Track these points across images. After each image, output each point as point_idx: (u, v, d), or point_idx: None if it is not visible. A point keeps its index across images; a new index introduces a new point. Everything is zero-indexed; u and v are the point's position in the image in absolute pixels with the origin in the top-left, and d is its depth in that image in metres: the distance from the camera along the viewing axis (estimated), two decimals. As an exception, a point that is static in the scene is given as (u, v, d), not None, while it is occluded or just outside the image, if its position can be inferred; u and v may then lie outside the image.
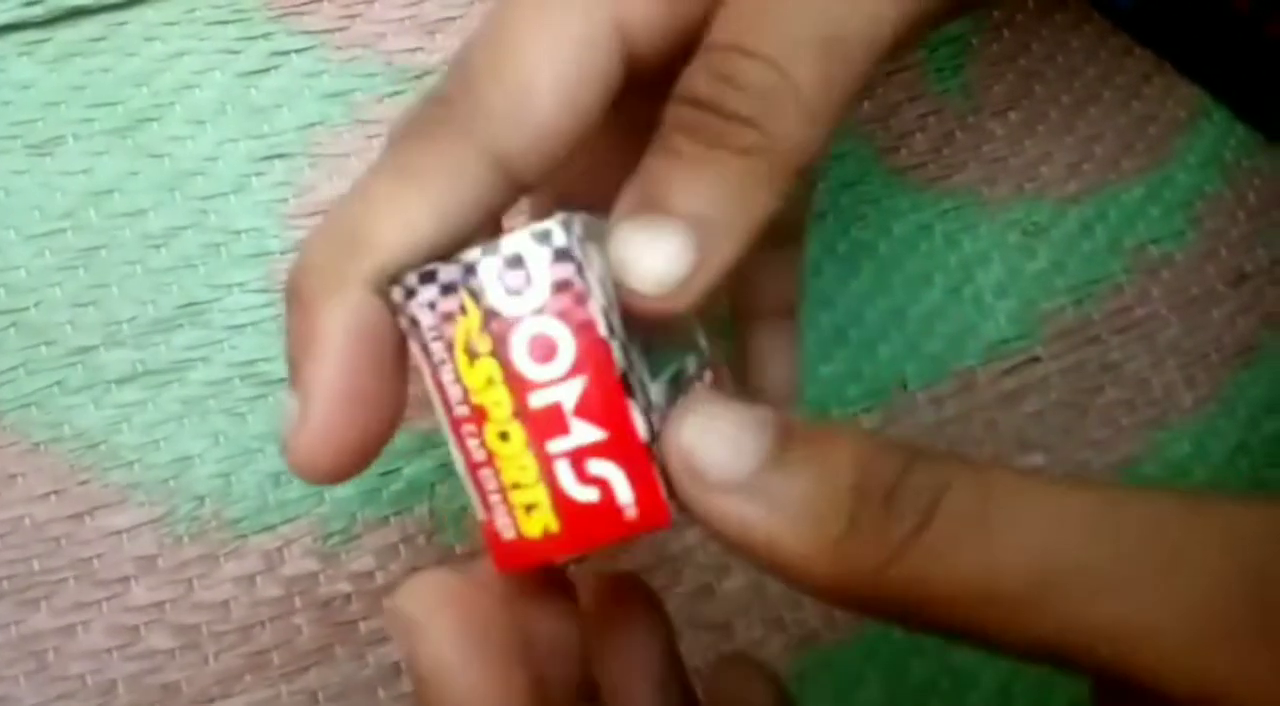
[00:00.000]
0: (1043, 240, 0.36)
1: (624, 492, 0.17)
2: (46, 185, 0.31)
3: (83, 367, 0.30)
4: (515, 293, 0.17)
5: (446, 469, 0.31)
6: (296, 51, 0.33)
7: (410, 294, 0.17)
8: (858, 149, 0.35)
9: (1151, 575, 0.15)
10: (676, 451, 0.17)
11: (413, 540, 0.30)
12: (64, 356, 0.30)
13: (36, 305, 0.30)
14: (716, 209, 0.18)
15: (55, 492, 0.29)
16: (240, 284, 0.31)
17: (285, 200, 0.32)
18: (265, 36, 0.33)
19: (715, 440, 0.17)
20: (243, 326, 0.31)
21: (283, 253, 0.31)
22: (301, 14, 0.33)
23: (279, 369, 0.31)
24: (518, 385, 0.17)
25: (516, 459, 0.17)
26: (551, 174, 0.19)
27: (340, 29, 0.34)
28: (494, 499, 0.17)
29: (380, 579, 0.30)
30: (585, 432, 0.17)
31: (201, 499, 0.29)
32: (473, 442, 0.17)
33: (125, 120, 0.32)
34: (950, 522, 0.15)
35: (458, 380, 0.17)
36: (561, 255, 0.17)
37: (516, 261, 0.17)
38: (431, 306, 0.17)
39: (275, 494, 0.30)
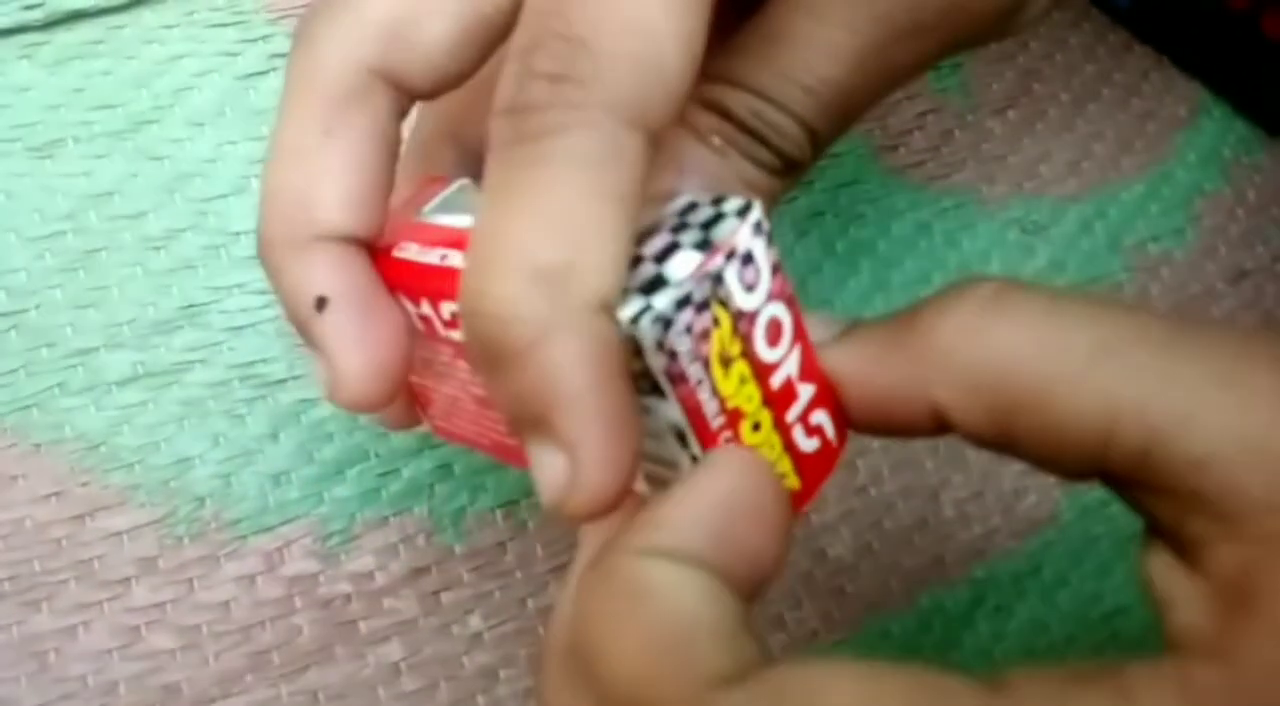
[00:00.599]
0: (1042, 238, 0.36)
1: (831, 431, 0.18)
2: (47, 188, 0.31)
3: (83, 369, 0.30)
4: (751, 287, 0.17)
5: (445, 469, 0.31)
6: (295, 53, 0.33)
7: (667, 324, 0.16)
8: (856, 148, 0.35)
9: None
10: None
11: (412, 540, 0.30)
12: (65, 358, 0.30)
13: (37, 307, 0.30)
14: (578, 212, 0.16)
15: (56, 494, 0.29)
16: (240, 285, 0.31)
17: (284, 202, 0.32)
18: (264, 38, 0.33)
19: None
20: (242, 328, 0.31)
21: (282, 254, 0.32)
22: (300, 16, 0.33)
23: (278, 370, 0.31)
24: (763, 373, 0.17)
25: (767, 441, 0.18)
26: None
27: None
28: None
29: (380, 579, 0.30)
30: (805, 392, 0.18)
31: (202, 500, 0.30)
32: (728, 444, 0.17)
33: (125, 123, 0.32)
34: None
35: (714, 394, 0.17)
36: (769, 237, 0.17)
37: (749, 258, 0.17)
38: (688, 330, 0.16)
39: (275, 495, 0.30)
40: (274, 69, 0.33)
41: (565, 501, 0.16)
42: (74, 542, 0.29)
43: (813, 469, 0.18)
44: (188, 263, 0.31)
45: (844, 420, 0.18)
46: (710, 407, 0.17)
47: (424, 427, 0.30)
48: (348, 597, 0.30)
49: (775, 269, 0.17)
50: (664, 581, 0.16)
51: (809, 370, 0.18)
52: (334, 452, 0.30)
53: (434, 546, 0.30)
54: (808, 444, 0.18)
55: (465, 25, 0.19)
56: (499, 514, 0.31)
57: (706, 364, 0.16)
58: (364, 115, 0.19)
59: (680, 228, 0.17)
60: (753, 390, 0.17)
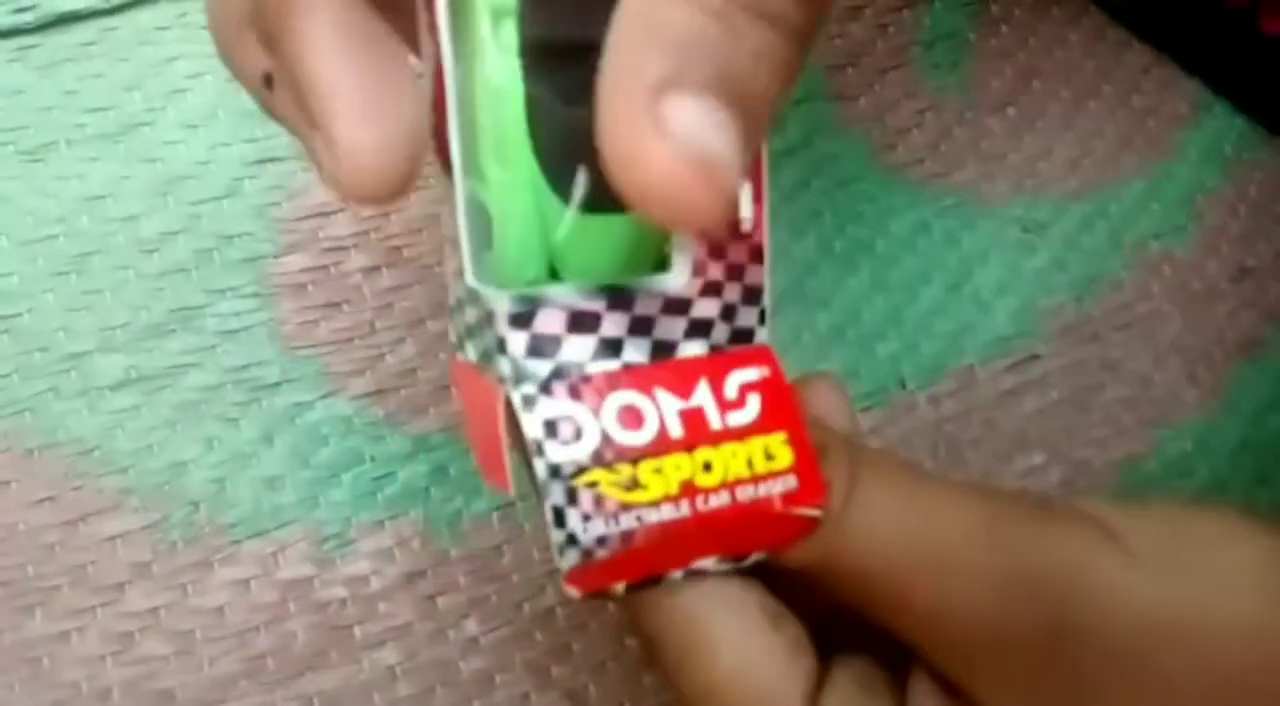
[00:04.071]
0: (1042, 237, 0.35)
1: (755, 372, 0.20)
2: (39, 191, 0.31)
3: (76, 373, 0.30)
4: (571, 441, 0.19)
5: (440, 472, 0.31)
6: (289, 54, 0.33)
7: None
8: (854, 147, 0.35)
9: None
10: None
11: (407, 544, 0.30)
12: (57, 362, 0.30)
13: (29, 311, 0.30)
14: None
15: (49, 499, 0.29)
16: (233, 288, 0.31)
17: (278, 204, 0.32)
18: (257, 40, 0.33)
19: None
20: (235, 331, 0.31)
21: (275, 257, 0.31)
22: (294, 17, 0.33)
23: (272, 374, 0.31)
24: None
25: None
26: None
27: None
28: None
29: (375, 583, 0.30)
30: (702, 396, 0.19)
31: (196, 504, 0.29)
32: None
33: (117, 125, 0.32)
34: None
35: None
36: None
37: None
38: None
39: (269, 499, 0.30)
40: (267, 70, 0.33)
41: (338, 185, 0.15)
42: (67, 547, 0.29)
43: (777, 410, 0.19)
44: (180, 266, 0.31)
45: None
46: (661, 515, 0.18)
47: (417, 431, 0.30)
48: (343, 602, 0.29)
49: (578, 391, 0.18)
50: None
51: (681, 383, 0.19)
52: (329, 456, 0.30)
53: (430, 550, 0.30)
54: (745, 414, 0.19)
55: None
56: (495, 517, 0.31)
57: (618, 508, 0.18)
58: None
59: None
60: (672, 462, 0.18)
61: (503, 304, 0.18)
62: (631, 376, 0.18)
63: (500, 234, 0.18)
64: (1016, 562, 0.18)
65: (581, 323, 0.18)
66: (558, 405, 0.18)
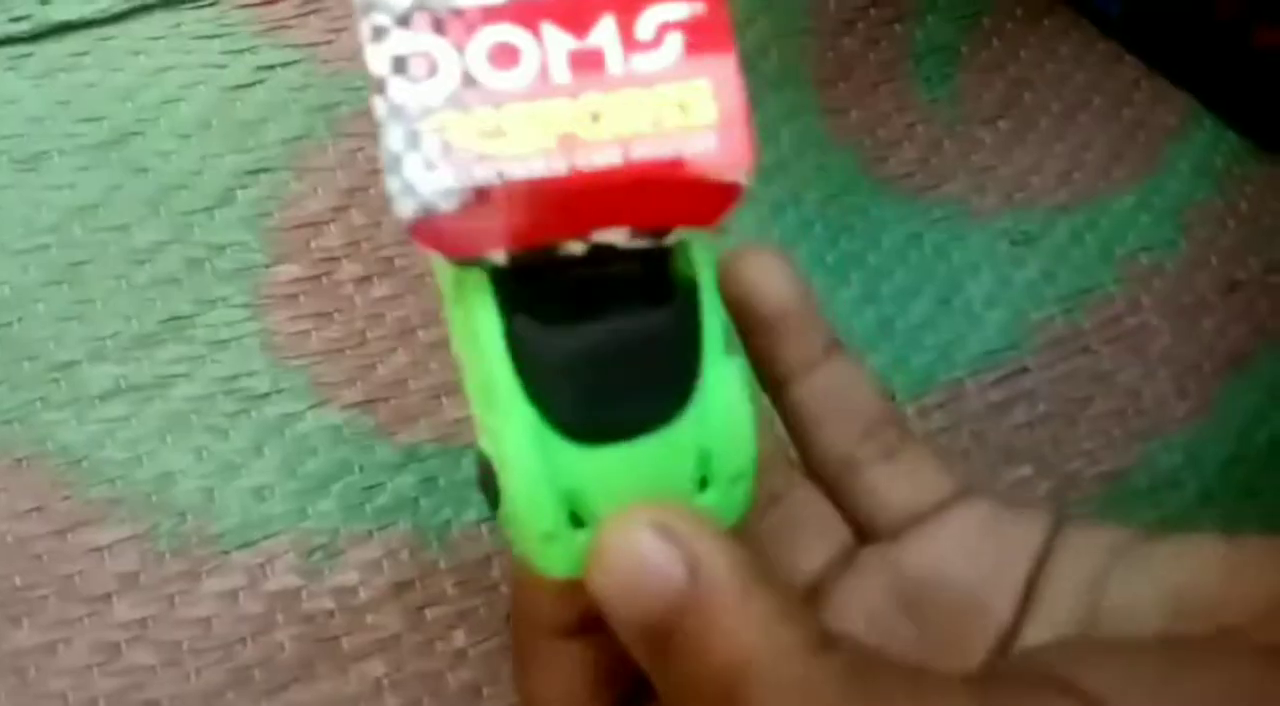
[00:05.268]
0: (1032, 249, 0.36)
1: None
2: (31, 200, 0.31)
3: (65, 383, 0.30)
4: None
5: (430, 483, 0.31)
6: (282, 65, 0.33)
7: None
8: (845, 159, 0.35)
9: None
10: (597, 540, 0.17)
11: (396, 555, 0.30)
12: (46, 372, 0.30)
13: (19, 320, 0.30)
14: None
15: (37, 509, 0.29)
16: (224, 298, 0.31)
17: (269, 214, 0.32)
18: (251, 50, 0.33)
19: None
20: (226, 342, 0.31)
21: (266, 266, 0.31)
22: (288, 28, 0.33)
23: (262, 384, 0.31)
24: None
25: None
26: None
27: (326, 43, 0.34)
28: None
29: (363, 594, 0.30)
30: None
31: (183, 514, 0.29)
32: None
33: (110, 135, 0.32)
34: None
35: None
36: None
37: None
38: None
39: (257, 509, 0.30)
40: (260, 81, 0.33)
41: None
42: (55, 558, 0.29)
43: (704, 32, 0.16)
44: (171, 276, 0.31)
45: None
46: (523, 165, 0.16)
47: (406, 442, 0.30)
48: (330, 613, 0.29)
49: (444, 24, 0.15)
50: None
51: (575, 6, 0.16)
52: (317, 467, 0.30)
53: (418, 561, 0.30)
54: (663, 54, 0.16)
55: None
56: (484, 528, 0.31)
57: (468, 148, 0.16)
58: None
59: None
60: (542, 107, 0.16)
61: None
62: (515, 8, 0.15)
63: (504, 485, 0.17)
64: None
65: None
66: (414, 39, 0.15)
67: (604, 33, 0.15)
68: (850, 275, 0.34)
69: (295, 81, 0.33)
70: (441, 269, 0.17)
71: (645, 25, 0.16)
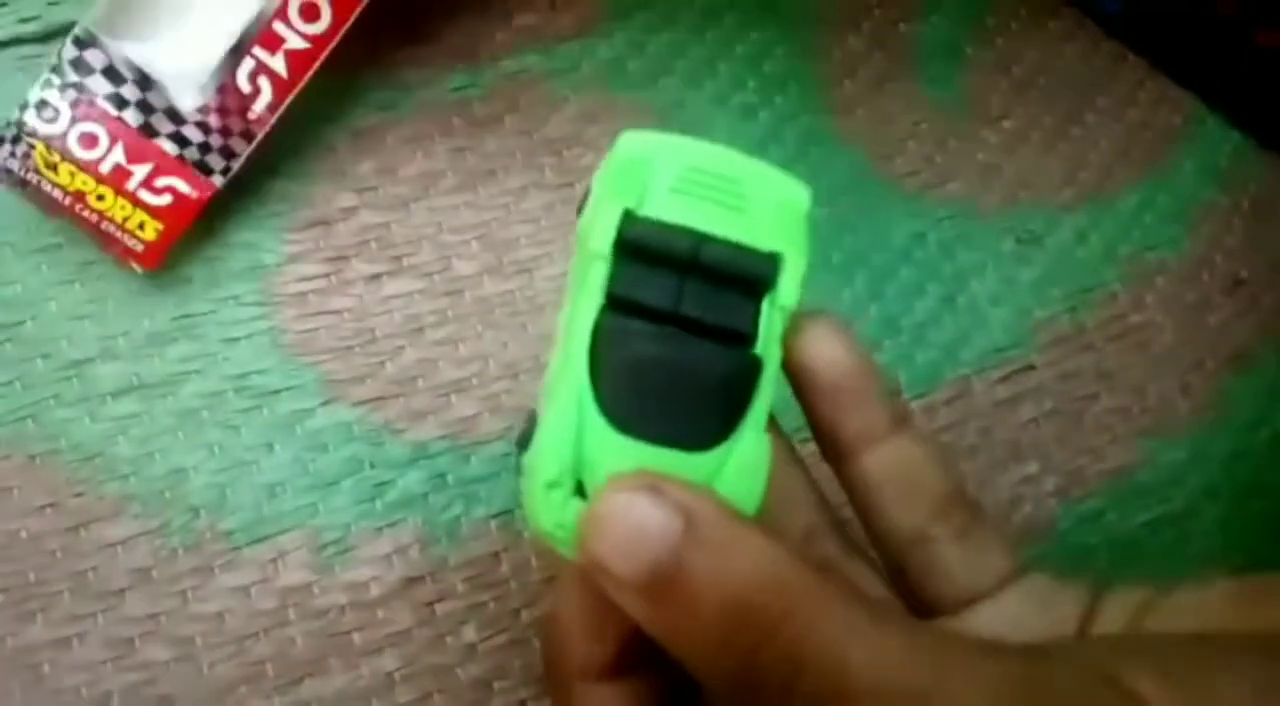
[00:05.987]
0: (1037, 248, 0.36)
1: (186, 187, 0.29)
2: (43, 199, 0.31)
3: (78, 381, 0.30)
4: (50, 120, 0.29)
5: (439, 480, 0.31)
6: (291, 65, 0.33)
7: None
8: (851, 158, 0.35)
9: None
10: (591, 512, 0.18)
11: (406, 551, 0.30)
12: (60, 370, 0.30)
13: (32, 319, 0.30)
14: None
15: (51, 505, 0.29)
16: (234, 297, 0.31)
17: (280, 214, 0.32)
18: (260, 50, 0.33)
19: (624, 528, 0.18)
20: (237, 339, 0.31)
21: (277, 265, 0.32)
22: (296, 28, 0.34)
23: (273, 381, 0.31)
24: (88, 166, 0.29)
25: (114, 205, 0.29)
26: None
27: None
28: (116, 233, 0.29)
29: (374, 590, 0.30)
30: (140, 170, 0.29)
31: (196, 511, 0.30)
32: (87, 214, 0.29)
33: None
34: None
35: (50, 186, 0.29)
36: (75, 86, 0.28)
37: (43, 104, 0.29)
38: (13, 155, 0.28)
39: (270, 505, 0.30)
40: (270, 81, 0.33)
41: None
42: (69, 554, 0.29)
43: (172, 214, 0.29)
44: (183, 274, 0.31)
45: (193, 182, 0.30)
46: (56, 193, 0.29)
47: (416, 439, 0.30)
48: (342, 608, 0.30)
49: (78, 103, 0.28)
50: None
51: (137, 156, 0.29)
52: (329, 463, 0.30)
53: (428, 557, 0.30)
54: (157, 200, 0.29)
55: None
56: (493, 524, 0.31)
57: (37, 171, 0.29)
58: None
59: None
60: (85, 177, 0.29)
61: (69, 50, 0.28)
62: (117, 123, 0.29)
63: (538, 432, 0.19)
64: None
65: (112, 75, 0.28)
66: (62, 98, 0.28)
67: (140, 170, 0.29)
68: (856, 273, 0.35)
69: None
70: (579, 256, 0.20)
71: (160, 181, 0.29)
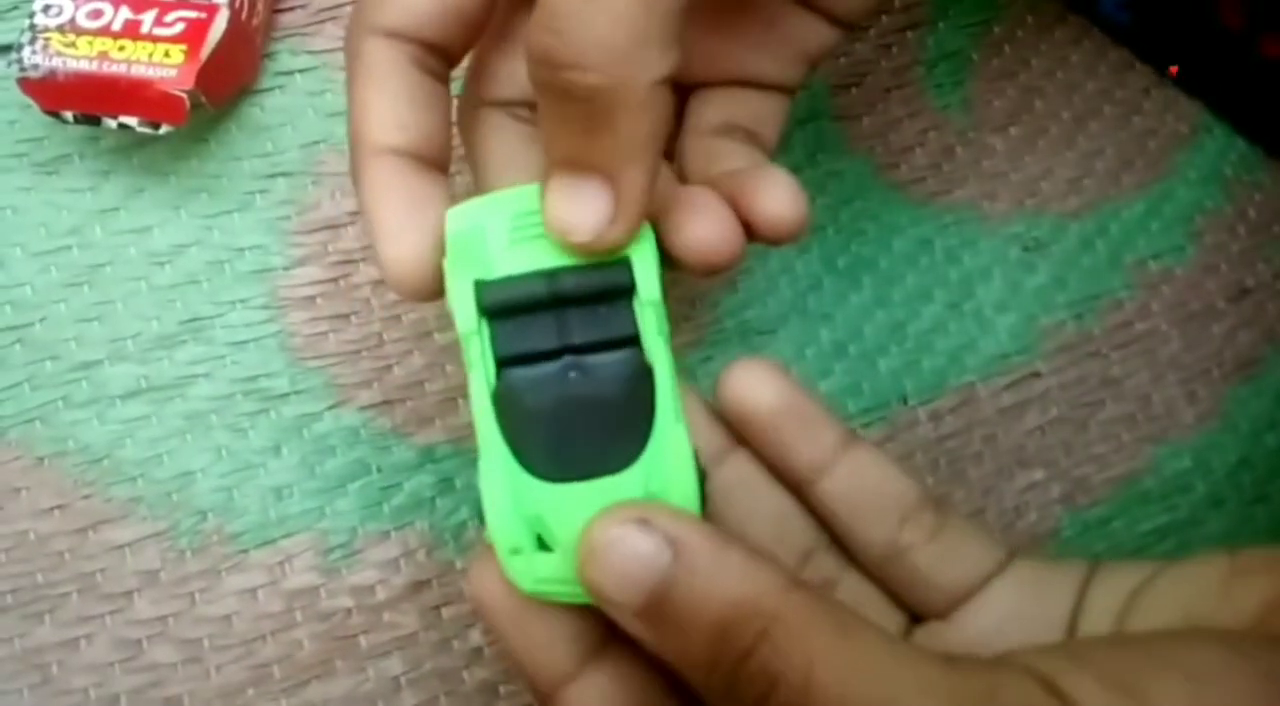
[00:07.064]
0: (1043, 255, 0.36)
1: (193, 14, 0.31)
2: (52, 203, 0.32)
3: (87, 383, 0.30)
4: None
5: (446, 483, 0.31)
6: (300, 71, 0.33)
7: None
8: (857, 165, 0.36)
9: None
10: (586, 543, 0.19)
11: (413, 554, 0.30)
12: (68, 372, 0.30)
13: (41, 321, 0.30)
14: (602, 154, 0.19)
15: (59, 507, 0.29)
16: (243, 300, 0.31)
17: (288, 217, 0.32)
18: (270, 56, 0.33)
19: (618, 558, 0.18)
20: (245, 342, 0.31)
21: (285, 269, 0.32)
22: (305, 35, 0.34)
23: (281, 385, 0.31)
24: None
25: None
26: None
27: (343, 49, 0.34)
28: None
29: (381, 593, 0.30)
30: (147, 16, 0.31)
31: (204, 513, 0.30)
32: None
33: (130, 138, 0.32)
34: None
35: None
36: None
37: None
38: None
39: (277, 508, 0.30)
40: (279, 87, 0.33)
41: (605, 233, 0.19)
42: (77, 555, 0.29)
43: (190, 36, 0.30)
44: (191, 277, 0.31)
45: None
46: (81, 65, 0.30)
47: (422, 442, 0.30)
48: (349, 611, 0.30)
49: None
50: None
51: (140, 5, 0.31)
52: (336, 467, 0.31)
53: (435, 560, 0.30)
54: (172, 30, 0.31)
55: None
56: (500, 528, 0.31)
57: (58, 53, 0.30)
58: (391, 64, 0.22)
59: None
60: (102, 40, 0.30)
61: None
62: None
63: (484, 508, 0.20)
64: None
65: None
66: None
67: (149, 15, 0.31)
68: (862, 279, 0.35)
69: (313, 87, 0.33)
70: (463, 335, 0.21)
71: (171, 17, 0.31)
